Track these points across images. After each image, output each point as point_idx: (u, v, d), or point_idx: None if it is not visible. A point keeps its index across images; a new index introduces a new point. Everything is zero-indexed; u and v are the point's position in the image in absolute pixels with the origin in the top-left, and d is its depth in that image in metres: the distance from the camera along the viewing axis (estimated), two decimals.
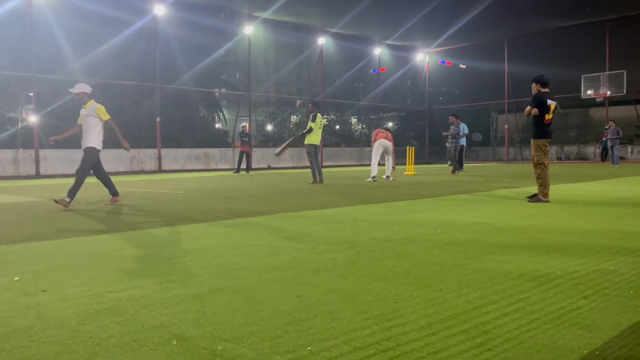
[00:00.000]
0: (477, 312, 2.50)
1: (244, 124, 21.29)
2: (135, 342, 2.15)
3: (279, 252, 4.01)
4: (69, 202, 7.21)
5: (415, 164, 17.92)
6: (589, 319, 2.40)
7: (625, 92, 25.93)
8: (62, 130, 8.35)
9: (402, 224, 5.44)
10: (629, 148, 28.29)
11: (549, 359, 1.95)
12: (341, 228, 5.23)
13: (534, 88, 7.70)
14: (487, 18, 23.91)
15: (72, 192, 7.26)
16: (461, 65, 34.04)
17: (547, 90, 7.63)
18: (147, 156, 21.10)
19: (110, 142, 22.29)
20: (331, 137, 37.13)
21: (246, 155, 19.55)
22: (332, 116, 38.90)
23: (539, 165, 7.63)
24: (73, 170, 18.54)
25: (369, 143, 35.97)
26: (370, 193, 9.61)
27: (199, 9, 24.38)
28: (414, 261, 3.65)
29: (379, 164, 13.38)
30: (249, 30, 24.81)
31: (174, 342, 2.15)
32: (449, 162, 18.62)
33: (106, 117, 7.60)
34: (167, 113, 24.40)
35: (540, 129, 7.62)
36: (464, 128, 16.91)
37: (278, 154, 14.04)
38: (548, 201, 7.51)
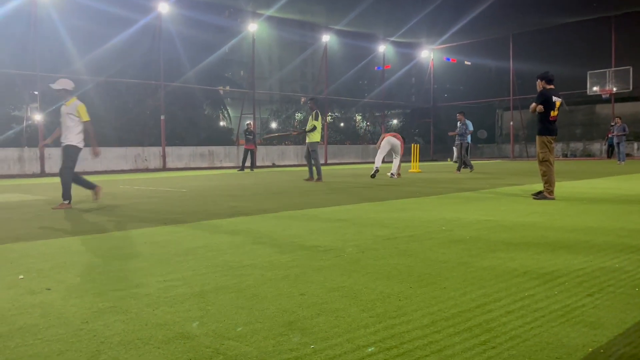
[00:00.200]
0: (481, 310, 2.49)
1: (249, 122, 21.30)
2: (139, 340, 2.16)
3: (282, 250, 4.01)
4: (69, 204, 7.19)
5: (419, 161, 17.88)
6: (593, 317, 2.38)
7: (631, 88, 25.80)
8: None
9: (406, 222, 5.43)
10: (635, 145, 28.15)
11: (554, 357, 1.94)
12: (345, 226, 5.22)
13: (539, 85, 7.66)
14: (492, 14, 23.81)
15: (66, 194, 7.20)
16: (466, 62, 33.98)
17: (552, 86, 7.59)
18: (151, 154, 21.14)
19: (113, 140, 22.37)
20: (335, 135, 37.11)
21: (251, 153, 19.56)
22: (336, 113, 38.89)
23: (544, 162, 7.60)
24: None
25: (373, 140, 35.97)
26: (375, 191, 9.60)
27: (203, 7, 24.40)
28: (417, 259, 3.64)
29: (385, 162, 13.35)
30: (253, 27, 24.79)
31: (178, 339, 2.15)
32: (454, 159, 18.55)
33: (86, 118, 7.24)
34: (171, 111, 24.45)
35: (546, 126, 7.58)
36: (469, 125, 16.86)
37: (268, 137, 13.91)
38: (553, 198, 7.47)
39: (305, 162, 12.50)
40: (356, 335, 2.18)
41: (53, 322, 2.40)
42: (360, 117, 40.91)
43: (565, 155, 30.68)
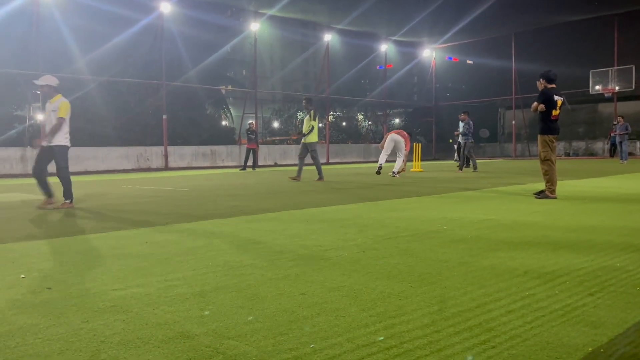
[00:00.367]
0: (482, 310, 2.49)
1: (251, 121, 21.32)
2: (139, 340, 2.16)
3: (283, 250, 4.00)
4: (71, 203, 7.19)
5: (421, 160, 17.87)
6: (594, 316, 2.38)
7: (634, 87, 25.74)
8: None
9: (407, 221, 5.42)
10: (638, 143, 28.08)
11: (554, 356, 1.94)
12: (346, 225, 5.22)
13: (540, 84, 7.65)
14: (495, 13, 23.78)
15: (67, 194, 7.18)
16: (468, 61, 33.94)
17: (553, 85, 7.58)
18: (153, 154, 21.16)
19: (115, 139, 22.41)
20: (337, 134, 37.11)
21: (253, 152, 19.57)
22: (338, 113, 38.87)
23: (546, 161, 7.58)
24: (79, 168, 18.76)
25: (375, 140, 35.97)
26: (376, 190, 9.59)
27: (205, 6, 24.42)
28: (418, 258, 3.64)
29: (389, 161, 13.32)
30: (255, 27, 24.80)
31: (178, 339, 2.15)
32: (455, 158, 18.56)
33: (62, 114, 6.96)
34: (173, 110, 24.47)
35: (547, 125, 7.57)
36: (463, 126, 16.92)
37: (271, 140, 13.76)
38: (555, 197, 7.46)
39: (299, 162, 12.49)
40: (356, 335, 2.18)
41: (53, 321, 2.41)
42: (362, 117, 40.93)
43: (567, 154, 30.62)
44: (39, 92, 7.18)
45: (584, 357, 1.94)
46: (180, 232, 4.93)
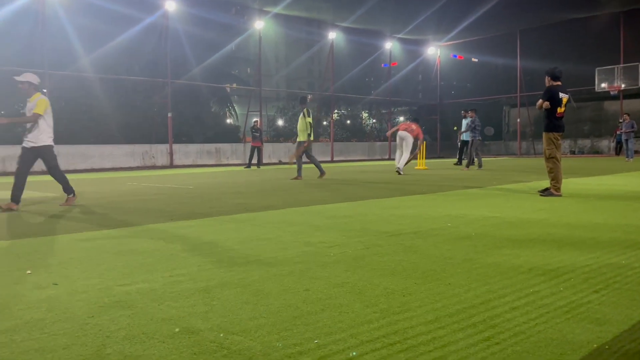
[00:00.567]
0: (486, 307, 2.49)
1: (255, 119, 21.34)
2: (144, 335, 2.17)
3: (287, 246, 4.01)
4: (73, 197, 7.17)
5: (426, 158, 17.84)
6: (599, 313, 2.37)
7: (639, 85, 25.59)
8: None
9: (411, 218, 5.42)
10: None
11: (558, 353, 1.94)
12: (350, 222, 5.22)
13: (546, 81, 7.63)
14: (500, 11, 23.68)
15: (66, 189, 7.12)
16: (473, 59, 33.85)
17: (559, 83, 7.55)
18: (158, 151, 21.22)
19: (121, 138, 22.45)
20: (342, 132, 37.09)
21: (257, 150, 19.59)
22: (342, 111, 38.84)
23: (551, 159, 7.56)
24: (85, 165, 18.82)
25: (379, 138, 35.94)
26: (380, 188, 9.59)
27: (210, 5, 24.44)
28: (422, 255, 3.64)
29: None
30: (259, 25, 24.80)
31: (177, 330, 2.16)
32: (459, 159, 18.54)
33: (38, 110, 6.75)
34: (178, 108, 24.52)
35: (552, 123, 7.55)
36: (466, 123, 16.93)
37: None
38: (560, 195, 7.44)
39: (307, 161, 12.54)
40: (360, 331, 2.18)
41: (59, 316, 2.42)
42: (366, 114, 40.91)
43: (572, 152, 30.50)
44: (20, 87, 7.03)
45: (589, 354, 1.93)
46: (185, 229, 4.95)
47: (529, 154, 31.07)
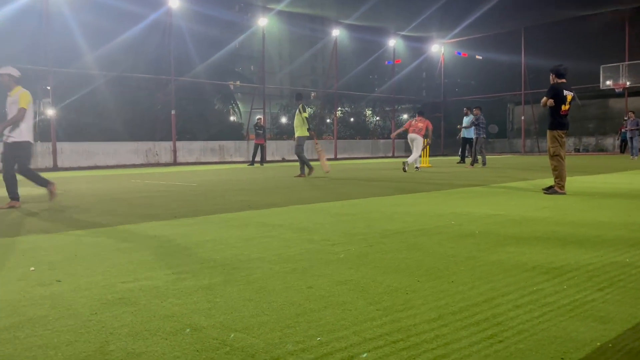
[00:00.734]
0: (489, 304, 2.48)
1: (259, 117, 21.34)
2: (147, 332, 2.17)
3: (291, 244, 4.01)
4: (52, 186, 6.92)
5: (430, 156, 17.81)
6: (603, 311, 2.36)
7: None
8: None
9: (415, 216, 5.41)
10: None
11: (561, 351, 1.93)
12: (354, 220, 5.22)
13: (551, 79, 7.60)
14: (504, 8, 23.58)
15: (41, 182, 6.91)
16: (477, 57, 33.72)
17: (563, 80, 7.52)
18: (162, 149, 21.24)
19: (124, 134, 22.47)
20: (345, 130, 37.05)
21: (261, 147, 19.60)
22: (346, 108, 38.79)
23: (555, 156, 7.53)
24: (89, 163, 18.88)
25: (383, 135, 35.89)
26: (384, 186, 9.58)
27: (213, 2, 24.43)
28: (426, 253, 3.63)
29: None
30: (263, 22, 24.77)
31: (187, 331, 2.16)
32: (461, 157, 18.52)
33: (22, 104, 6.53)
34: (182, 106, 24.53)
35: (556, 120, 7.52)
36: (468, 120, 16.92)
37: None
38: (564, 193, 7.41)
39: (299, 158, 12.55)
40: (363, 328, 2.18)
41: (63, 313, 2.43)
42: (370, 112, 40.84)
43: (577, 150, 30.38)
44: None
45: (592, 352, 1.93)
46: (188, 226, 4.96)
47: (533, 151, 30.96)
